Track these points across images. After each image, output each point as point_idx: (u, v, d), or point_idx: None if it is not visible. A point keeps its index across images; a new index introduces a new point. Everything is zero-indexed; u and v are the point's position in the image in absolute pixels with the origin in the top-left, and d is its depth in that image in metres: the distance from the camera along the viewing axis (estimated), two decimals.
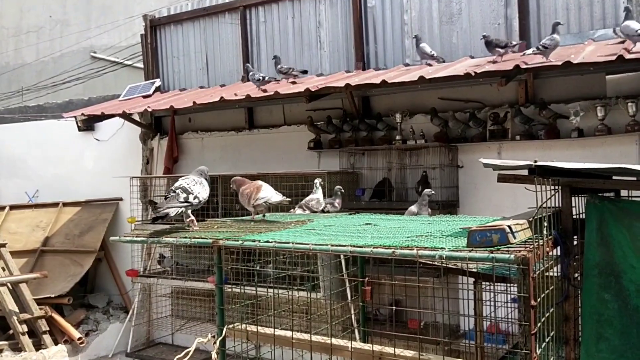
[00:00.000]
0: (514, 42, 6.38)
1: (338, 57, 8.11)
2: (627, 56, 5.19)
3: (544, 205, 2.67)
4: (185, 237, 2.90)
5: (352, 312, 5.73)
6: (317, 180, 5.88)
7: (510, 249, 2.08)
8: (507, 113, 6.89)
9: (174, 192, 3.39)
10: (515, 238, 2.16)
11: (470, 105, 7.15)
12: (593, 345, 2.52)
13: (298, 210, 5.82)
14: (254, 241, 2.64)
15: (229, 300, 4.21)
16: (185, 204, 3.34)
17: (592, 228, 2.49)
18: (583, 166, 2.39)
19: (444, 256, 2.09)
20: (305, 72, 7.72)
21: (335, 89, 6.61)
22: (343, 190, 6.38)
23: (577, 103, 6.48)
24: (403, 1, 7.64)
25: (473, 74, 5.81)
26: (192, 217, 3.43)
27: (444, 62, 6.93)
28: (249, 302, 4.91)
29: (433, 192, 6.05)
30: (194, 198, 3.39)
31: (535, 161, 2.40)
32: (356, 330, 5.19)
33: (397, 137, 7.33)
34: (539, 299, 2.37)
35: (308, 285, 6.27)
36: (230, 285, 4.11)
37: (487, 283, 3.58)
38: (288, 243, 2.53)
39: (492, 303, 3.32)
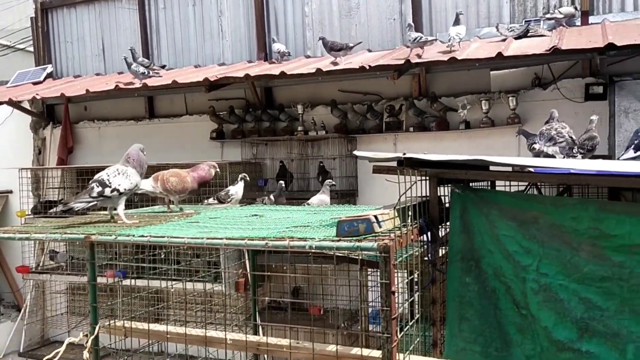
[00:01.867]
0: (351, 44, 6.57)
1: (240, 47, 8.06)
2: (506, 53, 5.56)
3: (417, 195, 2.85)
4: (56, 233, 2.79)
5: (245, 301, 5.76)
6: (241, 175, 5.76)
7: (375, 237, 2.20)
8: (402, 106, 7.18)
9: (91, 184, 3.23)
10: (380, 227, 2.29)
11: (368, 98, 7.37)
12: (456, 326, 2.74)
13: (210, 200, 5.73)
14: (128, 236, 2.60)
15: (128, 294, 4.11)
16: (100, 198, 3.15)
17: (455, 216, 2.68)
18: (445, 158, 2.57)
19: (313, 246, 2.17)
20: (163, 66, 7.67)
21: (235, 79, 6.57)
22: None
23: (465, 97, 6.88)
24: None
25: (367, 67, 5.99)
26: (118, 211, 3.21)
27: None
28: (147, 295, 4.82)
29: (334, 182, 6.19)
30: (112, 191, 3.17)
31: (404, 153, 2.55)
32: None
33: (299, 128, 7.42)
34: (406, 282, 2.53)
35: (208, 276, 6.23)
36: (114, 280, 3.99)
37: (373, 269, 3.74)
38: (163, 237, 2.51)
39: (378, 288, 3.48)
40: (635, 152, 3.71)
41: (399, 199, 2.41)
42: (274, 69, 6.51)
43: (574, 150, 3.72)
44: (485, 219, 2.63)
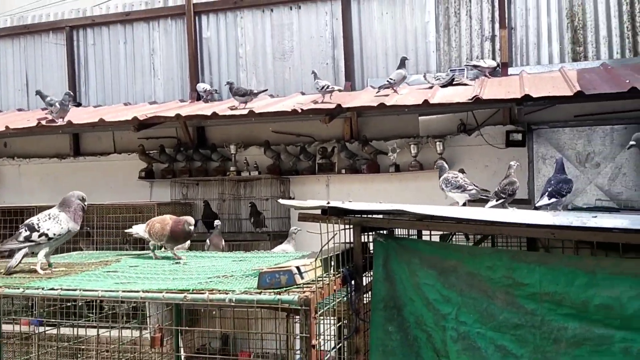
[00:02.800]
0: (255, 91, 6.70)
1: (173, 86, 7.98)
2: (432, 101, 5.80)
3: (343, 242, 2.86)
4: None
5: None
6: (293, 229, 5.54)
7: (296, 289, 2.18)
8: (334, 148, 7.29)
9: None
10: (303, 278, 2.28)
11: (301, 139, 7.45)
12: None
13: None
14: (37, 289, 2.45)
15: (46, 343, 3.84)
16: (28, 243, 2.95)
17: (378, 264, 2.72)
18: (367, 207, 2.61)
19: (234, 300, 2.12)
20: (79, 104, 7.51)
21: (166, 119, 6.47)
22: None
23: (395, 141, 7.08)
24: (238, 35, 7.77)
25: (300, 110, 6.07)
26: (38, 259, 3.02)
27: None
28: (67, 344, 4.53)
29: (299, 228, 5.99)
30: (40, 236, 2.97)
31: (328, 202, 2.57)
32: None
33: (232, 168, 7.36)
34: (333, 329, 2.51)
35: (133, 324, 5.94)
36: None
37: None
38: (75, 290, 2.38)
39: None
40: (549, 199, 3.90)
41: (321, 249, 2.42)
42: (206, 109, 6.47)
43: (488, 195, 3.91)
44: (406, 267, 2.68)
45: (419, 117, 7.07)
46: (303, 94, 7.37)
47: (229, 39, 7.82)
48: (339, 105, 6.01)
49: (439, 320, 2.59)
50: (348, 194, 7.19)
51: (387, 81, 6.44)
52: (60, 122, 6.55)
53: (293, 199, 7.39)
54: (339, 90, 6.41)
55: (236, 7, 7.74)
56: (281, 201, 2.72)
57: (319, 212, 2.70)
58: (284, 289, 2.21)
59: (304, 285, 2.26)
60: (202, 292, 2.23)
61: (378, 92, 6.48)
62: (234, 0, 7.74)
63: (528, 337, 2.45)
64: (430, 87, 6.57)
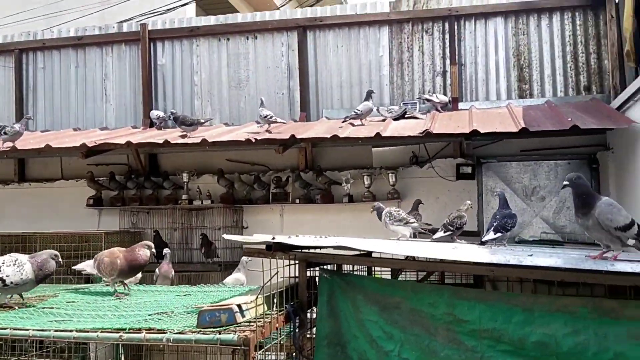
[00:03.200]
0: (202, 120, 6.75)
1: (125, 112, 7.85)
2: (384, 134, 5.90)
3: (289, 277, 2.84)
4: None
5: None
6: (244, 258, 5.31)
7: (237, 328, 2.14)
8: (288, 177, 7.29)
9: None
10: (244, 316, 2.24)
11: (256, 168, 7.42)
12: None
13: None
14: None
15: None
16: None
17: (323, 301, 2.70)
18: (313, 242, 2.60)
19: (171, 339, 2.06)
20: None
21: (116, 146, 6.33)
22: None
23: (349, 171, 7.14)
24: (194, 63, 7.75)
25: (253, 140, 6.06)
26: (5, 301, 2.88)
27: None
28: None
29: (250, 259, 5.90)
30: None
31: (273, 237, 2.55)
32: None
33: (184, 197, 7.24)
34: None
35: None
36: None
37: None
38: (5, 329, 2.26)
39: None
40: (495, 234, 3.99)
41: (262, 286, 2.39)
42: (158, 137, 6.38)
43: (428, 229, 4.01)
44: (351, 303, 2.67)
45: (373, 149, 7.17)
46: (258, 123, 7.36)
47: (184, 66, 7.79)
48: (292, 136, 6.03)
49: (381, 357, 2.58)
50: (302, 224, 7.17)
51: (355, 112, 6.54)
52: (6, 146, 6.33)
53: (246, 228, 7.32)
54: (282, 123, 6.46)
55: (192, 34, 7.73)
56: (225, 236, 2.69)
57: (264, 246, 2.67)
58: (224, 327, 2.17)
59: (245, 324, 2.22)
60: (139, 331, 2.16)
61: (344, 121, 6.55)
62: (190, 28, 7.74)
63: None
64: (383, 120, 6.68)
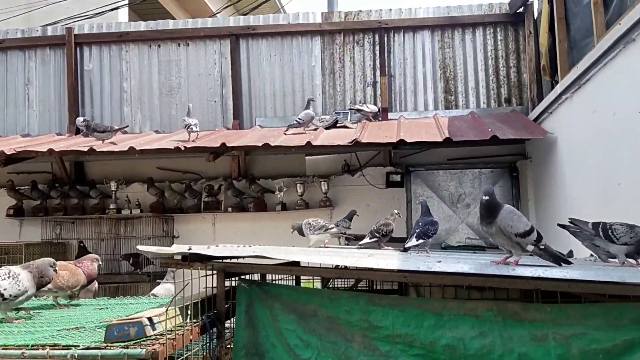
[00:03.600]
0: (116, 127, 6.67)
1: (49, 118, 7.56)
2: (315, 142, 5.96)
3: (209, 288, 2.81)
4: None
5: None
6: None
7: (146, 342, 2.10)
8: (221, 186, 7.22)
9: None
10: (155, 329, 2.20)
11: (187, 177, 7.31)
12: None
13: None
14: None
15: None
16: None
17: (241, 311, 2.70)
18: (228, 253, 2.60)
19: (76, 355, 2.00)
20: None
21: (37, 153, 6.08)
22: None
23: (282, 180, 7.16)
24: (123, 69, 7.57)
25: (182, 148, 5.98)
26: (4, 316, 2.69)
27: None
28: None
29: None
30: None
31: (189, 248, 2.52)
32: None
33: (112, 206, 7.03)
34: None
35: None
36: None
37: None
38: None
39: None
40: (417, 241, 4.11)
41: (174, 297, 2.35)
42: (84, 145, 6.18)
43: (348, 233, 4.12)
44: (269, 312, 2.68)
45: (306, 157, 7.23)
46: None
47: (113, 72, 7.59)
48: (223, 144, 6.00)
49: None
50: (235, 232, 7.13)
51: (296, 121, 6.59)
52: None
53: (177, 237, 7.19)
54: (196, 132, 6.43)
55: (121, 40, 7.55)
56: (139, 247, 2.63)
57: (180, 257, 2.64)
58: (134, 341, 2.12)
59: (157, 337, 2.18)
60: (43, 347, 2.08)
61: (286, 131, 6.58)
62: (119, 34, 7.55)
63: None
64: (315, 129, 6.75)
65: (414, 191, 7.04)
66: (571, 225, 3.14)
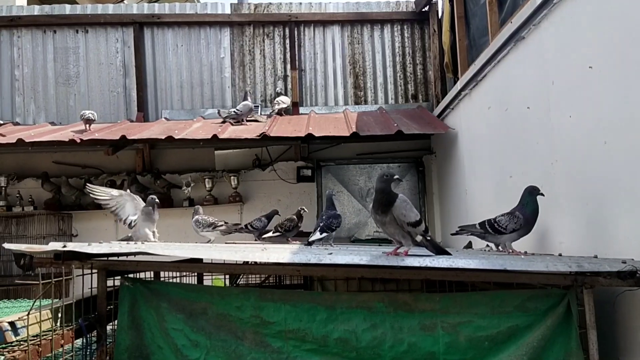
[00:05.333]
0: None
1: None
2: (222, 136, 5.79)
3: (90, 289, 2.61)
4: None
5: None
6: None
7: (5, 348, 1.90)
8: (124, 181, 6.87)
9: None
10: (18, 334, 2.00)
11: (87, 172, 6.89)
12: None
13: None
14: None
15: None
16: None
17: (124, 311, 2.53)
18: (109, 250, 2.42)
19: None
20: None
21: None
22: None
23: (190, 174, 6.92)
24: (14, 55, 7.01)
25: (78, 140, 5.61)
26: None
27: None
28: None
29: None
30: None
31: (64, 245, 2.32)
32: None
33: (1, 203, 6.51)
34: None
35: None
36: None
37: None
38: None
39: None
40: (320, 234, 4.08)
41: (37, 298, 2.15)
42: None
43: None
44: (155, 312, 2.53)
45: (215, 151, 7.04)
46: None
47: (3, 58, 7.01)
48: (123, 137, 5.69)
49: None
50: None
51: (234, 112, 6.40)
52: None
53: (76, 236, 6.78)
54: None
55: (12, 24, 6.99)
56: (5, 245, 2.38)
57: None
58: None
59: (20, 343, 1.98)
60: None
61: (223, 122, 6.38)
62: (10, 18, 6.98)
63: None
64: (224, 122, 6.57)
65: (325, 185, 7.06)
66: (462, 231, 3.26)
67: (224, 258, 2.44)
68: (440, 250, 2.55)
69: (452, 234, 3.38)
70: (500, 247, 3.25)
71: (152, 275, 3.25)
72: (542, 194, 3.07)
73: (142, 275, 2.74)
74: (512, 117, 4.06)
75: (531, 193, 3.06)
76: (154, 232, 3.91)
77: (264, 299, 2.48)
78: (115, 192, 4.00)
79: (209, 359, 2.47)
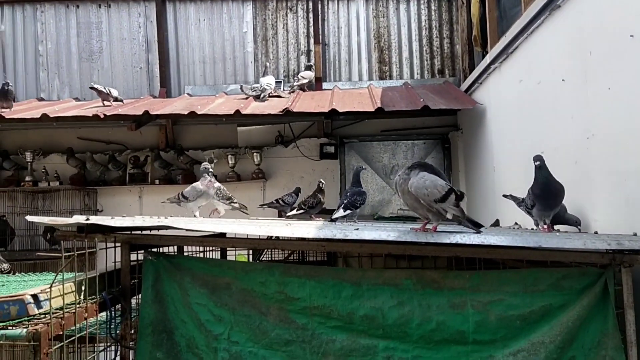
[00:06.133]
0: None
1: None
2: (244, 111, 5.73)
3: (114, 262, 2.59)
4: None
5: None
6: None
7: (30, 321, 1.88)
8: (147, 157, 6.89)
9: None
10: (41, 307, 1.98)
11: (111, 147, 6.91)
12: None
13: None
14: None
15: None
16: None
17: (148, 285, 2.50)
18: (132, 223, 2.39)
19: None
20: None
21: None
22: None
23: (212, 151, 6.90)
24: (38, 31, 7.01)
25: (102, 116, 5.61)
26: None
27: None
28: None
29: None
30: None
31: (88, 218, 2.29)
32: None
33: (27, 178, 6.58)
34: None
35: None
36: None
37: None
38: None
39: None
40: (344, 211, 4.02)
41: (60, 270, 2.13)
42: None
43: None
44: (178, 287, 2.50)
45: (238, 128, 6.98)
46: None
47: (27, 34, 7.02)
48: (146, 112, 5.67)
49: (210, 341, 2.45)
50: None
51: (264, 87, 6.37)
52: None
53: (101, 211, 6.83)
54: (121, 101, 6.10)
55: (35, 0, 6.97)
56: (28, 218, 2.37)
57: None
58: (17, 321, 1.90)
59: (44, 315, 1.96)
60: None
61: (246, 98, 6.37)
62: None
63: (299, 352, 2.42)
64: (246, 98, 6.50)
65: (348, 162, 6.97)
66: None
67: (248, 233, 2.39)
68: (476, 224, 2.45)
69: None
70: (535, 225, 3.15)
71: (176, 250, 3.23)
72: (540, 161, 2.94)
73: (165, 250, 2.70)
74: (545, 91, 3.90)
75: (536, 163, 2.95)
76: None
77: (288, 275, 2.43)
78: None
79: (232, 334, 2.44)
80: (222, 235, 3.07)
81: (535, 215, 2.93)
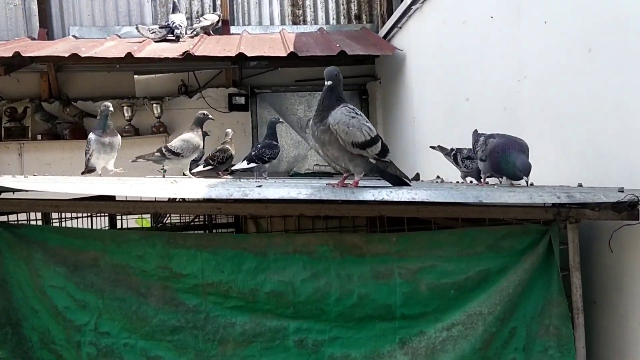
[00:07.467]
0: None
1: None
2: (136, 54, 5.01)
3: None
4: None
5: None
6: None
7: None
8: (26, 108, 5.99)
9: None
10: None
11: None
12: None
13: None
14: None
15: None
16: None
17: None
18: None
19: None
20: None
21: None
22: None
23: (105, 102, 6.07)
24: None
25: None
26: None
27: None
28: None
29: None
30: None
31: None
32: None
33: None
34: None
35: None
36: None
37: None
38: None
39: None
40: (248, 164, 3.53)
41: None
42: None
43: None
44: (26, 266, 1.91)
45: (135, 76, 6.22)
46: None
47: None
48: (17, 53, 4.79)
49: (72, 334, 1.90)
50: (48, 163, 6.02)
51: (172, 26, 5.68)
52: None
53: None
54: None
55: None
56: None
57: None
58: None
59: None
60: None
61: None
62: None
63: (189, 341, 1.94)
64: (142, 41, 5.72)
65: (260, 115, 6.43)
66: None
67: (115, 193, 1.83)
68: (399, 181, 2.04)
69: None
70: (461, 178, 2.81)
71: (41, 218, 2.58)
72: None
73: (11, 218, 2.08)
74: (471, 31, 3.54)
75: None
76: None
77: (174, 245, 1.92)
78: None
79: (101, 323, 1.91)
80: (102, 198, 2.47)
81: (483, 169, 2.52)
